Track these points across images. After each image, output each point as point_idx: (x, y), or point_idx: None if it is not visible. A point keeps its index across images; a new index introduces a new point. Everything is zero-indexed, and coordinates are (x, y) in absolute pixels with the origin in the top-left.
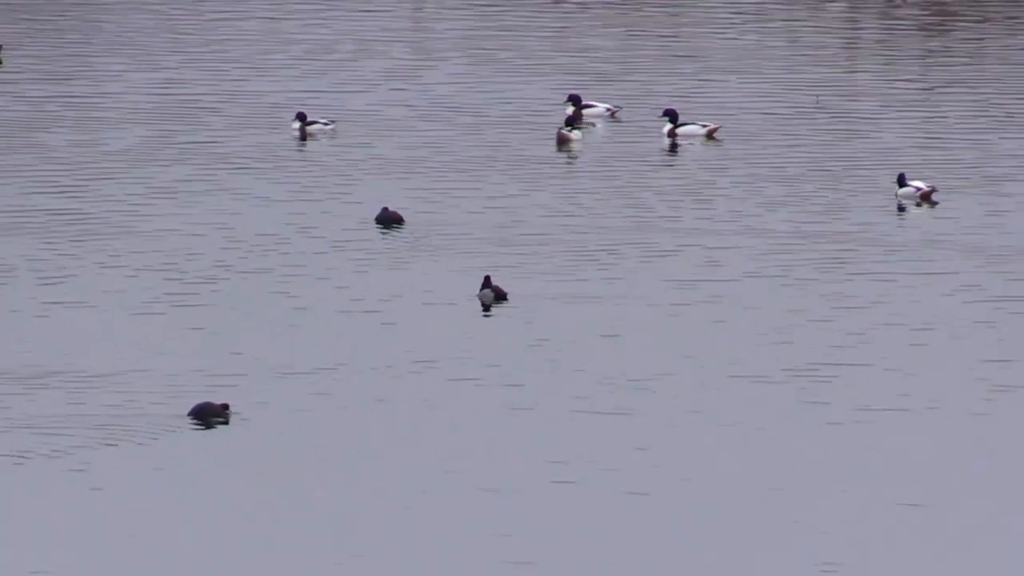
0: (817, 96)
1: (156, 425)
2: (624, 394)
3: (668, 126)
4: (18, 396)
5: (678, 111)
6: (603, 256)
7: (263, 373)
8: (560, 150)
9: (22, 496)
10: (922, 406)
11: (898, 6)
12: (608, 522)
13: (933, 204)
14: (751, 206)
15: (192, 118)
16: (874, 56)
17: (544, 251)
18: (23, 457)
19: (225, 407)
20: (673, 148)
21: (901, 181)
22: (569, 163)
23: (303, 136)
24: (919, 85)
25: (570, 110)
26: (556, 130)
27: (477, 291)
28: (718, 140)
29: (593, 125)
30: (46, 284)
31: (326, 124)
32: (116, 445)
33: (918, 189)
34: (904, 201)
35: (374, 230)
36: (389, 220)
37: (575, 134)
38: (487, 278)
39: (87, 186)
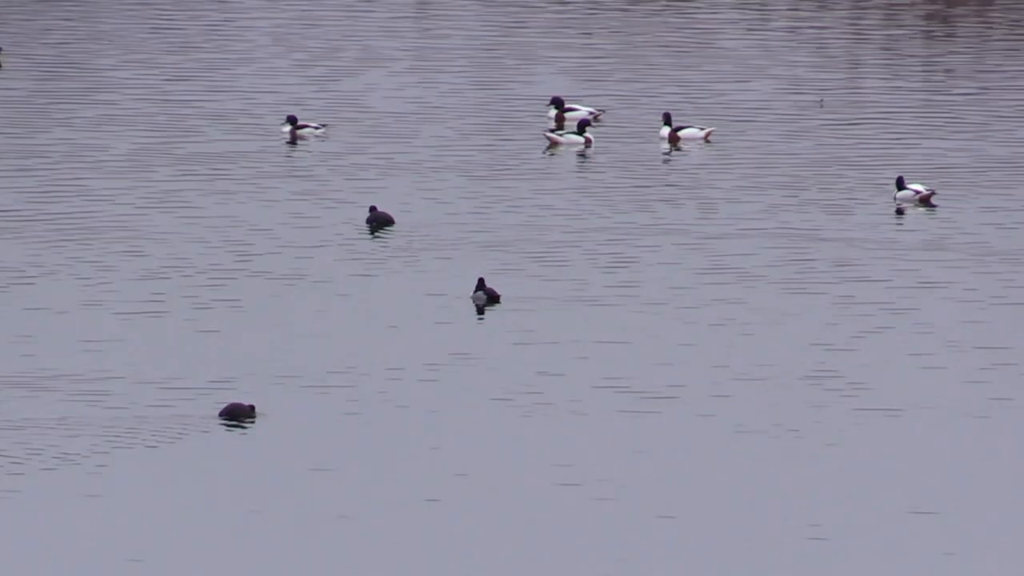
0: (821, 98)
1: (188, 425)
2: (619, 396)
3: (666, 129)
4: (46, 400)
5: (671, 114)
6: (599, 258)
7: (263, 376)
8: (552, 153)
9: (61, 496)
10: (920, 409)
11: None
12: (607, 522)
13: (932, 207)
14: (750, 208)
15: (186, 121)
16: (878, 58)
17: (537, 253)
18: (61, 459)
19: (252, 408)
20: (672, 151)
21: (900, 184)
22: (565, 166)
23: (293, 139)
24: (923, 87)
25: (552, 113)
26: (544, 133)
27: (471, 293)
28: (711, 143)
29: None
30: (24, 285)
31: (316, 128)
32: (156, 446)
33: (917, 192)
34: (902, 204)
35: (366, 232)
36: (380, 222)
37: (566, 138)
38: (481, 280)
39: (85, 188)
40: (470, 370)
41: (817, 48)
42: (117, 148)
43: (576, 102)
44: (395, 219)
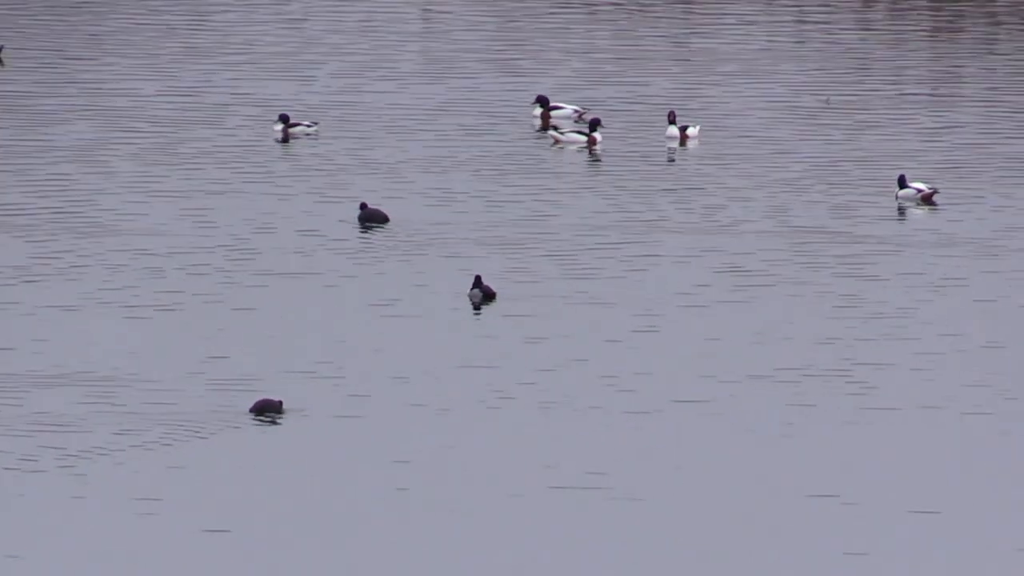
0: (827, 96)
1: (222, 421)
2: (617, 394)
3: (674, 128)
4: (73, 397)
5: (675, 112)
6: (595, 256)
7: (268, 375)
8: (559, 150)
9: (95, 492)
10: (924, 408)
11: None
12: (607, 522)
13: (934, 206)
14: (753, 206)
15: (180, 119)
16: (885, 57)
17: (533, 251)
18: (103, 453)
19: (280, 403)
20: (674, 149)
21: (902, 183)
22: (565, 164)
23: (286, 138)
24: (928, 86)
25: (537, 111)
26: (549, 132)
27: (467, 291)
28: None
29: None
30: (25, 284)
31: (309, 126)
32: (188, 441)
33: (918, 191)
34: (904, 203)
35: (361, 229)
36: (373, 219)
37: (568, 136)
38: (477, 278)
39: (82, 185)
40: (465, 368)
41: (824, 47)
42: (112, 145)
43: (562, 100)
44: (388, 216)
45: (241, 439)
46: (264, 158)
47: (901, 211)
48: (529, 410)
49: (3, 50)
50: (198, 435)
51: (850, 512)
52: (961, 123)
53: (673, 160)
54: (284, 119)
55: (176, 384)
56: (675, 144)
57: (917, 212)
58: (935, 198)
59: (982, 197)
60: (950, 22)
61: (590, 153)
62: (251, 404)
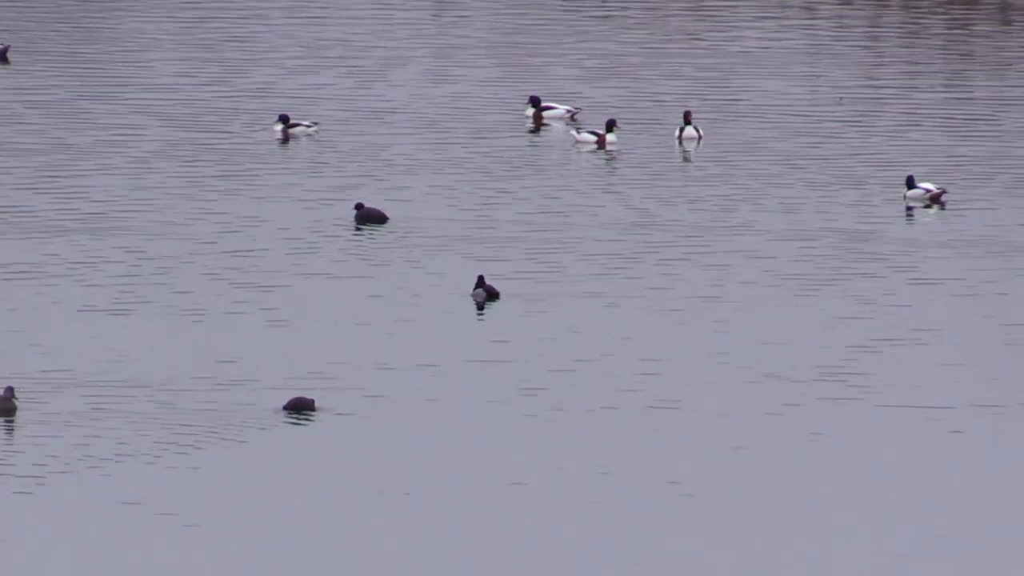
0: (840, 96)
1: (259, 419)
2: (621, 393)
3: (690, 128)
4: (105, 397)
5: (691, 112)
6: (599, 255)
7: (272, 375)
8: (577, 151)
9: (131, 490)
10: (932, 408)
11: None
12: (608, 521)
13: (942, 206)
14: (762, 205)
15: (181, 119)
16: (898, 56)
17: (537, 250)
18: (128, 455)
19: (313, 401)
20: (690, 151)
21: (910, 183)
22: (570, 164)
23: (286, 138)
24: (942, 86)
25: (530, 112)
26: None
27: (471, 290)
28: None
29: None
30: (24, 282)
31: (309, 126)
32: (226, 439)
33: (927, 191)
34: (912, 203)
35: (361, 229)
36: (371, 218)
37: (582, 136)
38: (480, 278)
39: (82, 185)
40: (469, 367)
41: (836, 46)
42: (113, 145)
43: (554, 100)
44: (387, 215)
45: (274, 437)
46: (264, 158)
47: (910, 211)
48: (534, 409)
49: (9, 50)
50: (221, 436)
51: (855, 514)
52: (973, 123)
53: (688, 159)
54: (284, 120)
55: (184, 385)
56: (692, 145)
57: (926, 212)
58: (943, 198)
59: (992, 198)
60: (963, 22)
61: (604, 152)
62: (284, 402)
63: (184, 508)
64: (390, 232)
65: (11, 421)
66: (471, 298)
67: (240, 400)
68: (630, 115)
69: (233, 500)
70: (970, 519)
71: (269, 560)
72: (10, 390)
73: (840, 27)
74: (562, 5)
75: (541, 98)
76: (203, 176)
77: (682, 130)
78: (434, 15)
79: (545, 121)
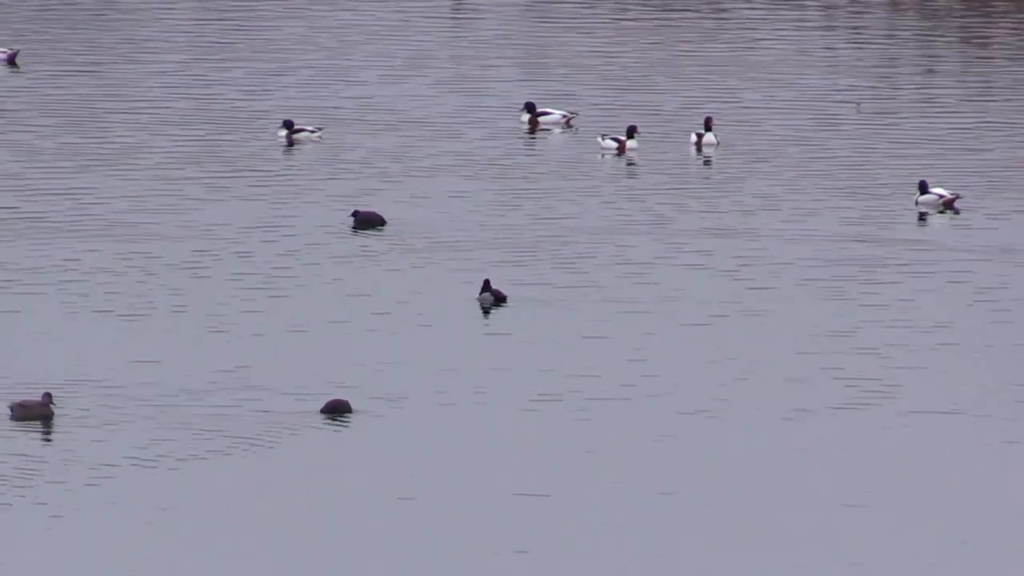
0: (857, 103)
1: (297, 422)
2: (628, 397)
3: (694, 135)
4: (143, 401)
5: (712, 119)
6: (606, 259)
7: (277, 378)
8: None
9: (168, 494)
10: (944, 412)
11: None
12: (611, 522)
13: (956, 212)
14: (777, 211)
15: (184, 124)
16: (915, 62)
17: (543, 254)
18: (164, 457)
19: (349, 404)
20: (710, 157)
21: (923, 188)
22: (582, 169)
23: (290, 143)
24: (959, 92)
25: (525, 117)
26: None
27: (477, 294)
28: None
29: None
30: (33, 287)
31: (313, 131)
32: (263, 443)
33: (940, 196)
34: (925, 209)
35: (360, 234)
36: (370, 222)
37: (606, 143)
38: (486, 281)
39: (88, 188)
40: (477, 372)
41: (853, 52)
42: (119, 151)
43: (550, 106)
44: (385, 219)
45: (313, 439)
46: (268, 163)
47: (922, 217)
48: (541, 413)
49: (19, 55)
50: (257, 441)
51: (858, 515)
52: (988, 130)
53: (709, 164)
54: (288, 124)
55: (210, 389)
56: (711, 151)
57: (938, 218)
58: (956, 204)
59: (1005, 203)
60: (980, 29)
61: (624, 158)
62: (322, 405)
63: (222, 513)
64: (388, 236)
65: (49, 427)
66: (477, 302)
67: (273, 405)
68: (648, 121)
69: (275, 502)
70: (991, 524)
71: (311, 562)
72: (48, 396)
73: (857, 34)
74: (576, 10)
75: (535, 103)
76: (213, 179)
77: (701, 136)
78: (438, 21)
79: (542, 126)
